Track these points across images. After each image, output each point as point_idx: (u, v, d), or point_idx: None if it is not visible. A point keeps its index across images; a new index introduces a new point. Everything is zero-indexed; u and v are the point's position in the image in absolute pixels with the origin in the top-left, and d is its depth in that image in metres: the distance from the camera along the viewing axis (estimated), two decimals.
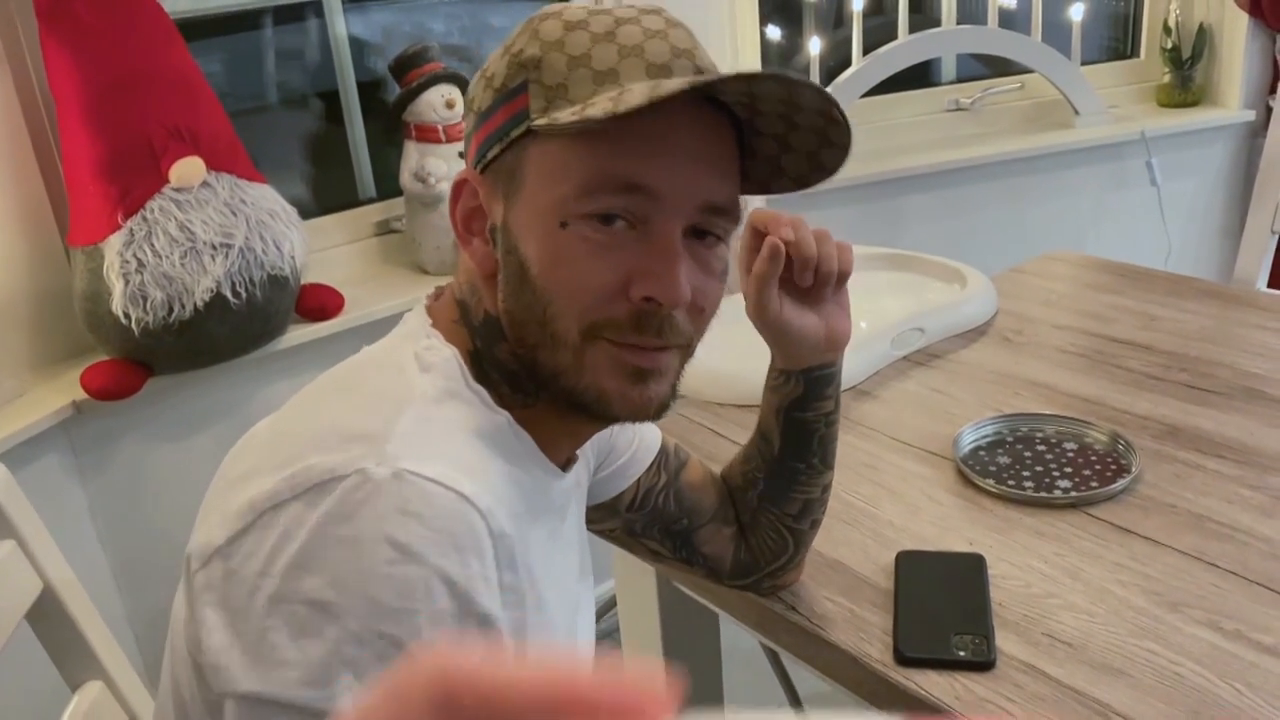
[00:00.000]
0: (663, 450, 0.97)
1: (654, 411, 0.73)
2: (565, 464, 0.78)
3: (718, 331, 0.77)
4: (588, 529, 0.90)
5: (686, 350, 0.74)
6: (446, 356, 0.71)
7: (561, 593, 0.76)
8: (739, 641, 1.48)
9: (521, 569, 0.65)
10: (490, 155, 0.70)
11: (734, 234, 0.75)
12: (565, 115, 0.66)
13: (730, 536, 0.99)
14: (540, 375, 0.71)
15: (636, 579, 1.33)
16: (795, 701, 1.57)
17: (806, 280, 0.86)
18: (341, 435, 0.64)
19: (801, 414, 0.93)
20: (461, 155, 1.91)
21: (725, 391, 1.38)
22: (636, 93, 0.64)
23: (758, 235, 0.86)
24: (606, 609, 1.86)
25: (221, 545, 0.63)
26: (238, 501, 0.64)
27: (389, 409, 0.66)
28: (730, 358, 1.17)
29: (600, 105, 0.65)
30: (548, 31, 0.69)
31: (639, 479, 0.95)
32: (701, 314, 0.73)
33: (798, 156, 0.74)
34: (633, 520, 0.97)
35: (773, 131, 0.72)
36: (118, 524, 1.71)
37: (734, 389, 1.36)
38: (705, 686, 1.46)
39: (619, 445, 0.93)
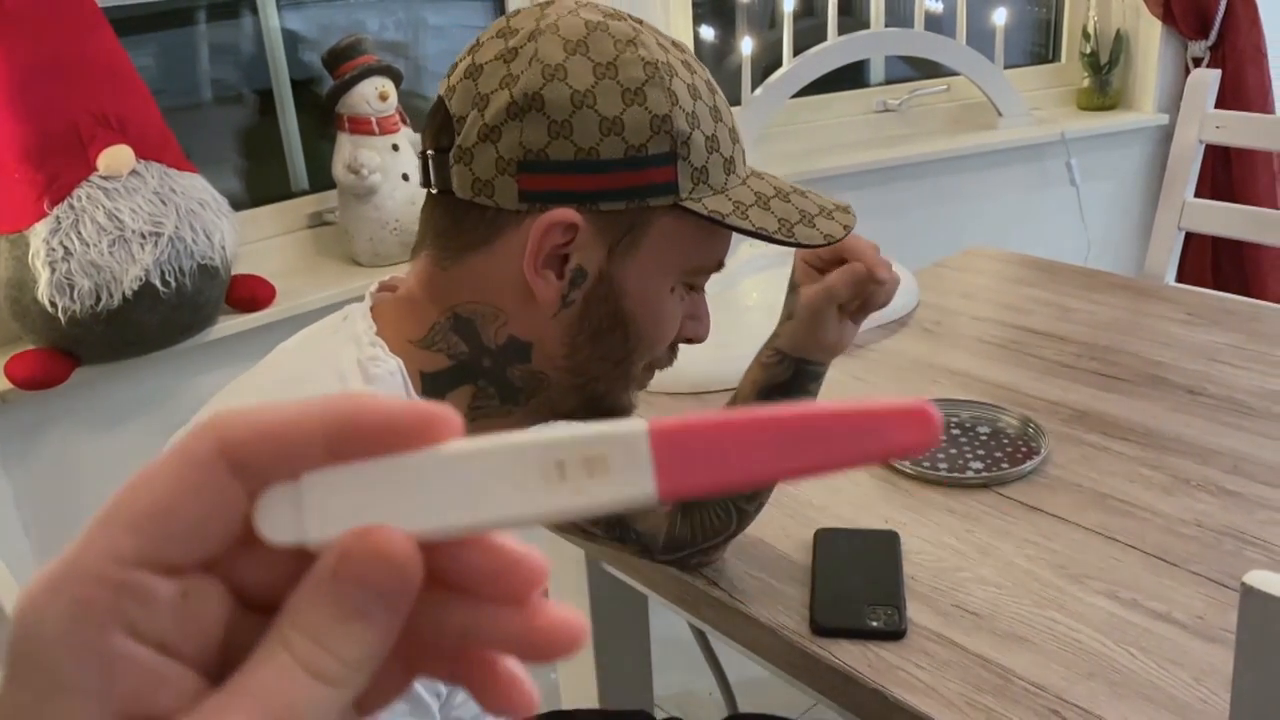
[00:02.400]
0: None
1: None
2: None
3: None
4: None
5: None
6: (391, 369, 0.72)
7: None
8: (669, 630, 1.51)
9: None
10: (607, 207, 0.72)
11: None
12: (726, 209, 0.74)
13: (664, 515, 1.01)
14: (578, 395, 0.78)
15: (567, 570, 1.35)
16: (724, 684, 1.60)
17: (852, 308, 0.94)
18: None
19: (782, 399, 0.98)
20: (420, 156, 1.93)
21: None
22: (813, 230, 0.78)
23: (840, 254, 0.93)
24: None
25: None
26: None
27: None
28: None
29: (763, 219, 0.75)
30: (679, 91, 0.73)
31: None
32: None
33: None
34: None
35: None
36: (43, 514, 1.69)
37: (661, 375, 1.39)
38: (635, 671, 1.49)
39: None
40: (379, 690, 0.25)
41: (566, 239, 0.72)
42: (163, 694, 0.23)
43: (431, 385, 0.74)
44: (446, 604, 0.25)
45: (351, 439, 0.24)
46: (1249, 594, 0.52)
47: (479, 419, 0.77)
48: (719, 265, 0.80)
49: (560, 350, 0.75)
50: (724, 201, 0.75)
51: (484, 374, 0.75)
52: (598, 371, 0.77)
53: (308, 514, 0.24)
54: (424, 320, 0.75)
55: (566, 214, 0.71)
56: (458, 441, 0.25)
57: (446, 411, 0.25)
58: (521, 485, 0.24)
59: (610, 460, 0.24)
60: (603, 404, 0.80)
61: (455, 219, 0.74)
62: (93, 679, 0.22)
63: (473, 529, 0.25)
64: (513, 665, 0.26)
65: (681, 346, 0.84)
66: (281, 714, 0.22)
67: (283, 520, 0.24)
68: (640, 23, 0.76)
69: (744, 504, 1.01)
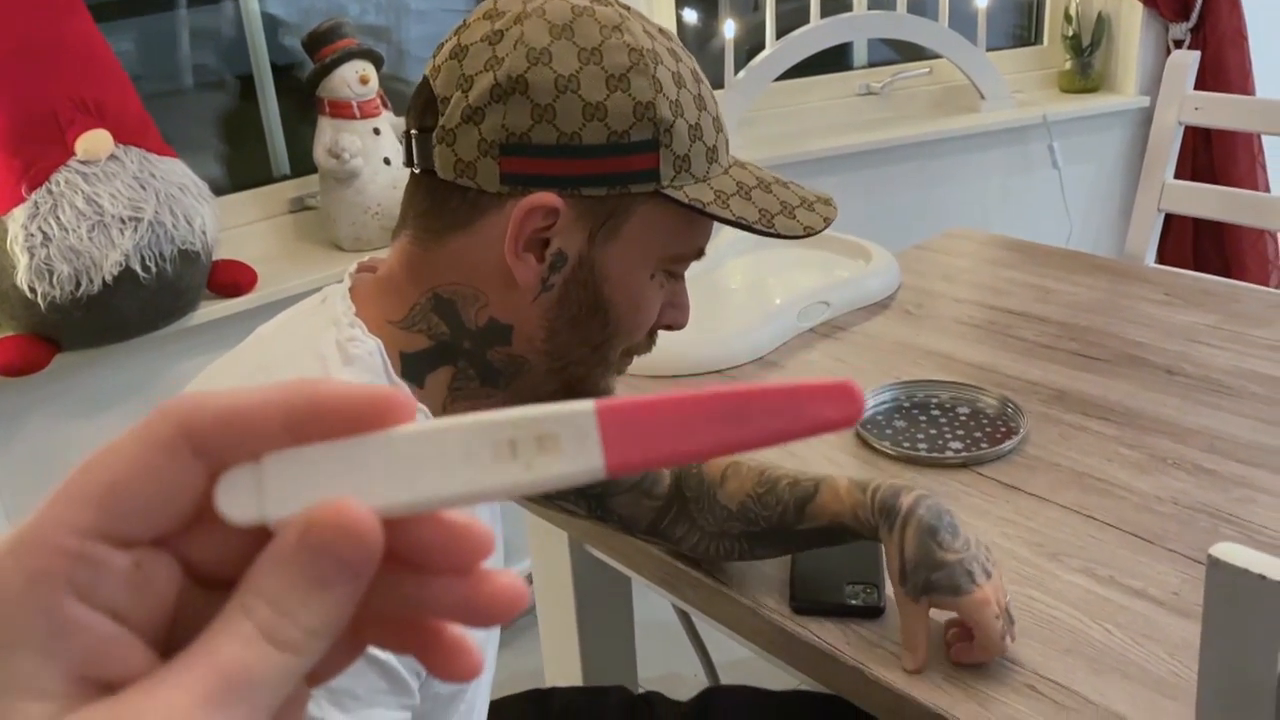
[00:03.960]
0: None
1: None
2: None
3: None
4: None
5: None
6: (370, 349, 0.72)
7: None
8: (654, 612, 1.51)
9: None
10: (588, 192, 0.72)
11: None
12: (708, 198, 0.74)
13: (651, 508, 1.01)
14: (557, 379, 0.78)
15: (551, 553, 1.36)
16: (709, 665, 1.61)
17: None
18: None
19: (848, 533, 0.95)
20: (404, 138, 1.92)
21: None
22: (793, 222, 0.78)
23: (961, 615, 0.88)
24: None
25: None
26: None
27: None
28: None
29: (743, 209, 0.76)
30: (663, 79, 0.72)
31: None
32: None
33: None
34: None
35: None
36: (24, 501, 1.68)
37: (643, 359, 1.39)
38: (619, 653, 1.50)
39: None
40: (330, 660, 0.26)
41: (548, 223, 0.72)
42: (115, 659, 0.24)
43: (411, 365, 0.74)
44: (396, 575, 0.26)
45: (311, 422, 0.25)
46: (1215, 566, 0.52)
47: (458, 400, 0.77)
48: (699, 253, 0.81)
49: (540, 334, 0.76)
50: (705, 190, 0.75)
51: (464, 355, 0.76)
52: (576, 356, 0.77)
53: (268, 493, 0.25)
54: (404, 301, 0.75)
55: (548, 198, 0.71)
56: (414, 423, 0.26)
57: (403, 395, 0.26)
58: (475, 463, 0.25)
59: (560, 438, 0.25)
60: (581, 388, 0.80)
61: (437, 200, 0.74)
62: (46, 638, 0.23)
63: (429, 505, 0.25)
64: (458, 631, 0.27)
65: (661, 332, 0.84)
66: (241, 679, 0.23)
67: (243, 500, 0.25)
68: (627, 9, 0.76)
69: (754, 558, 1.01)
